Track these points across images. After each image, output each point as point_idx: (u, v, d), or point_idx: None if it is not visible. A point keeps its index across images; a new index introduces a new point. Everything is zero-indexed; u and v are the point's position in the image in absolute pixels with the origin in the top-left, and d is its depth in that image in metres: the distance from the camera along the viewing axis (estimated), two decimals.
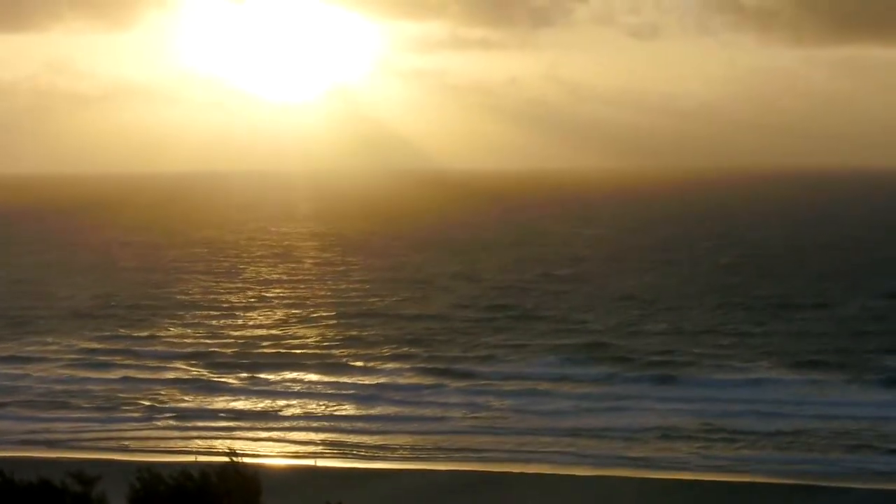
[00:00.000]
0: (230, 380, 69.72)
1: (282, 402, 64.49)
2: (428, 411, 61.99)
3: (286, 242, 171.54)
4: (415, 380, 68.67)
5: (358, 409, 63.05)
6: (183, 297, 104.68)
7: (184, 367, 73.42)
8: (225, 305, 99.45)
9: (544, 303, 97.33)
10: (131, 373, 71.59)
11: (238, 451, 35.49)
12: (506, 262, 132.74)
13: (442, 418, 60.66)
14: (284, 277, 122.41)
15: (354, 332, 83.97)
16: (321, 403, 64.24)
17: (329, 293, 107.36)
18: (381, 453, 55.53)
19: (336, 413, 62.44)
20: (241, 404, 64.38)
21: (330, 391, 66.79)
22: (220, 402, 64.83)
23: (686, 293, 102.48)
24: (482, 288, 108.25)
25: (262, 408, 63.46)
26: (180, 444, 57.06)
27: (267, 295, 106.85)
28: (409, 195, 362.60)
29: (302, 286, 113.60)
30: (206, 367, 73.15)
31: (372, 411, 62.42)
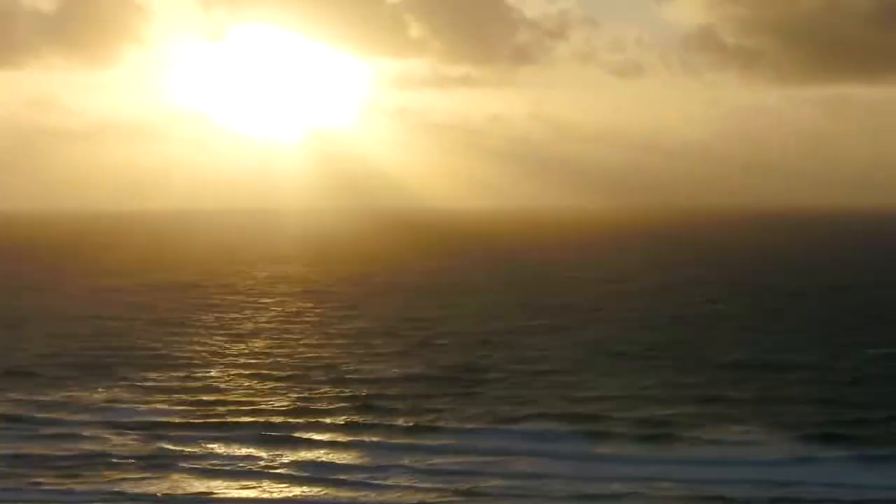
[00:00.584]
0: (168, 451, 63.15)
1: (219, 483, 57.89)
2: (376, 496, 55.40)
3: (258, 288, 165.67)
4: (365, 459, 61.34)
5: (303, 488, 56.66)
6: (138, 351, 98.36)
7: (112, 436, 66.72)
8: (180, 361, 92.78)
9: (518, 358, 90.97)
10: (37, 449, 64.38)
11: None
12: (481, 310, 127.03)
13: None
14: (249, 328, 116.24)
15: (305, 396, 77.30)
16: (263, 482, 57.72)
17: (289, 348, 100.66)
18: None
19: (282, 495, 56.08)
20: (176, 484, 57.60)
21: (278, 469, 60.10)
22: (151, 483, 57.84)
23: (670, 347, 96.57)
24: (452, 342, 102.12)
25: (197, 491, 56.58)
26: None
27: (227, 349, 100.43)
28: (393, 234, 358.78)
29: (263, 339, 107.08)
30: (142, 437, 66.52)
31: (318, 491, 56.08)
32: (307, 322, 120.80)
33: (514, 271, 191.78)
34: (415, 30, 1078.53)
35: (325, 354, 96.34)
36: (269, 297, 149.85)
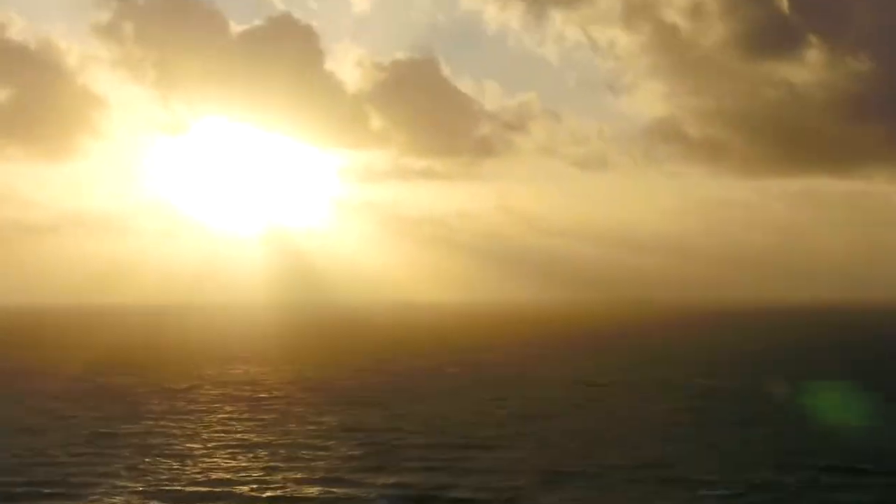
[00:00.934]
0: None
1: None
2: None
3: (204, 390, 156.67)
4: None
5: None
6: (52, 475, 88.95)
7: None
8: (86, 490, 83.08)
9: (455, 484, 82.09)
10: None
11: None
12: (431, 420, 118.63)
13: None
14: (177, 442, 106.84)
15: None
16: None
17: (214, 470, 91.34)
18: None
19: None
20: None
21: None
22: None
23: (633, 469, 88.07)
24: (390, 459, 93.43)
25: None
26: None
27: (140, 469, 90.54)
28: (357, 331, 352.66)
29: (186, 458, 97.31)
30: None
31: None
32: (241, 435, 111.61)
33: (476, 373, 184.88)
34: (376, 121, 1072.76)
35: (252, 475, 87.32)
36: (213, 403, 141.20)
